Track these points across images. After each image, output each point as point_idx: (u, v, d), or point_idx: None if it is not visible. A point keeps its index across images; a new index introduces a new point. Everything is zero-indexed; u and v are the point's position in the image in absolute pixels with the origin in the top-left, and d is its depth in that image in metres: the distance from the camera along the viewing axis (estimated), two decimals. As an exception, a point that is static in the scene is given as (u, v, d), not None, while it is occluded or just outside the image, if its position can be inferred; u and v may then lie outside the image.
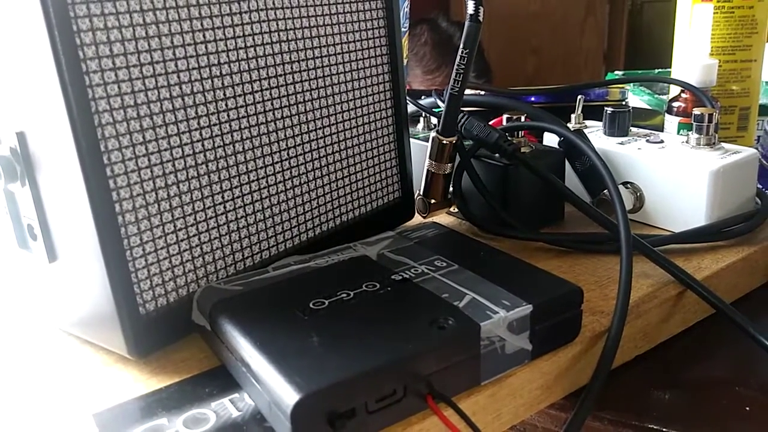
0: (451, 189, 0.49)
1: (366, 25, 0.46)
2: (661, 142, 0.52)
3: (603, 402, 0.36)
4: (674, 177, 0.48)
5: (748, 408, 0.35)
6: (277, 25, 0.40)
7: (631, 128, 0.55)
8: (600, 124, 0.56)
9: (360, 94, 0.46)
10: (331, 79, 0.43)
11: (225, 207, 0.38)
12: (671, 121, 0.63)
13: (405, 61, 0.70)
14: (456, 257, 0.38)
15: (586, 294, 0.38)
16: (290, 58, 0.40)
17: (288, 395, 0.27)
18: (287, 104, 0.41)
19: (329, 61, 0.43)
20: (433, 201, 0.48)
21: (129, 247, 0.34)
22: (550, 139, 0.56)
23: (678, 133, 0.61)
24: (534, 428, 0.37)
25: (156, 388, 0.33)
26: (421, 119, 0.62)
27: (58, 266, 0.36)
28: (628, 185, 0.51)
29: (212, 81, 0.36)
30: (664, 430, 0.34)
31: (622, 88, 0.70)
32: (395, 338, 0.31)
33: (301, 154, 0.42)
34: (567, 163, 0.52)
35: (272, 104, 0.40)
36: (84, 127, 0.31)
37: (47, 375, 0.35)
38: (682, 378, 0.38)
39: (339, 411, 0.28)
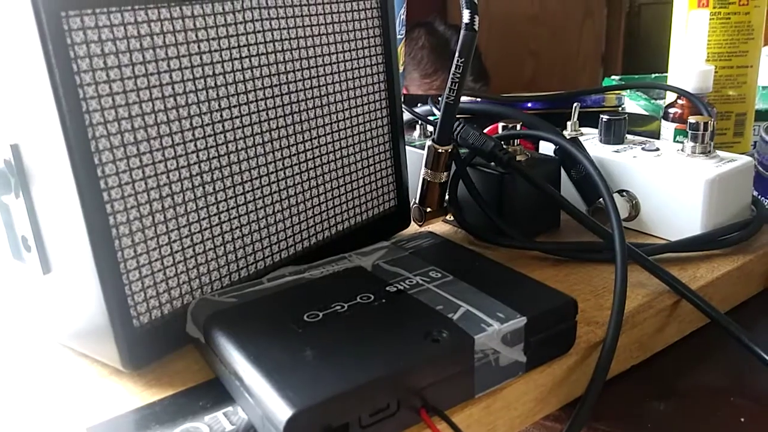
0: (447, 197, 0.49)
1: (361, 34, 0.46)
2: (657, 150, 0.52)
3: (598, 413, 0.35)
4: (670, 185, 0.48)
5: (742, 419, 0.35)
6: (272, 35, 0.40)
7: (627, 135, 0.55)
8: (596, 131, 0.56)
9: (355, 102, 0.46)
10: (326, 88, 0.43)
11: (219, 218, 0.38)
12: (667, 128, 0.63)
13: (401, 68, 0.70)
14: (451, 268, 0.38)
15: (582, 304, 0.38)
16: (284, 68, 0.40)
17: (281, 410, 0.27)
18: (281, 114, 0.41)
19: (324, 70, 0.43)
20: (429, 209, 0.49)
21: (123, 259, 0.34)
22: (546, 147, 0.56)
23: (674, 139, 0.62)
24: (529, 439, 0.37)
25: (150, 401, 0.33)
26: (418, 126, 0.62)
27: (52, 278, 0.36)
28: (624, 193, 0.51)
29: (206, 92, 0.36)
30: (658, 441, 0.34)
31: (619, 94, 0.70)
32: (389, 351, 0.30)
33: (295, 164, 0.42)
34: (563, 171, 0.52)
35: (266, 114, 0.40)
36: (78, 139, 0.31)
37: (42, 387, 0.35)
38: (677, 388, 0.38)
39: (332, 426, 0.28)
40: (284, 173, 0.41)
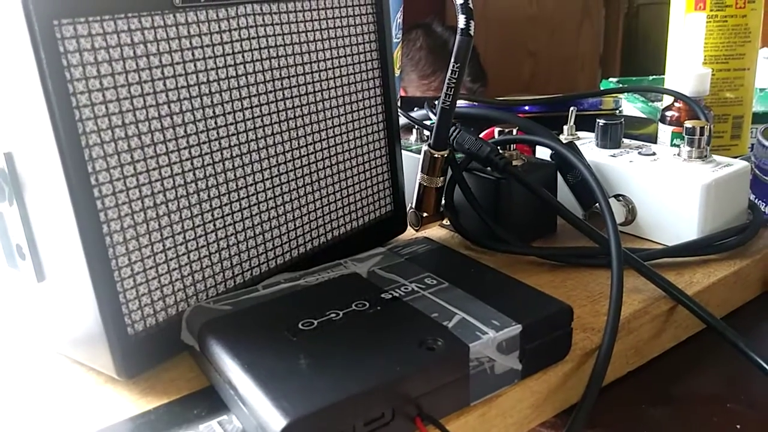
0: (443, 202, 0.49)
1: (356, 39, 0.45)
2: (653, 154, 0.51)
3: (594, 419, 0.35)
4: (666, 190, 0.48)
5: (738, 426, 0.35)
6: (266, 41, 0.39)
7: (623, 140, 0.55)
8: (592, 135, 0.56)
9: (351, 107, 0.45)
10: (321, 93, 0.43)
11: (214, 225, 0.38)
12: (664, 131, 0.63)
13: (397, 72, 0.70)
14: (446, 274, 0.38)
15: (577, 310, 0.38)
16: (279, 74, 0.40)
17: (275, 420, 0.27)
18: (276, 120, 0.41)
19: (319, 76, 0.43)
20: (425, 214, 0.48)
21: (117, 267, 0.34)
22: (543, 151, 0.55)
23: (671, 142, 0.61)
24: (525, 446, 0.37)
25: (145, 409, 0.33)
26: (414, 130, 0.62)
27: (46, 286, 0.35)
28: (620, 198, 0.50)
29: (200, 99, 0.36)
30: (654, 448, 0.34)
31: (616, 97, 0.70)
32: (384, 360, 0.30)
33: (291, 170, 0.42)
34: (559, 175, 0.52)
35: (261, 120, 0.40)
36: (71, 147, 0.31)
37: (37, 396, 0.35)
38: (673, 394, 0.38)
39: (327, 435, 0.28)
40: (279, 179, 0.41)
